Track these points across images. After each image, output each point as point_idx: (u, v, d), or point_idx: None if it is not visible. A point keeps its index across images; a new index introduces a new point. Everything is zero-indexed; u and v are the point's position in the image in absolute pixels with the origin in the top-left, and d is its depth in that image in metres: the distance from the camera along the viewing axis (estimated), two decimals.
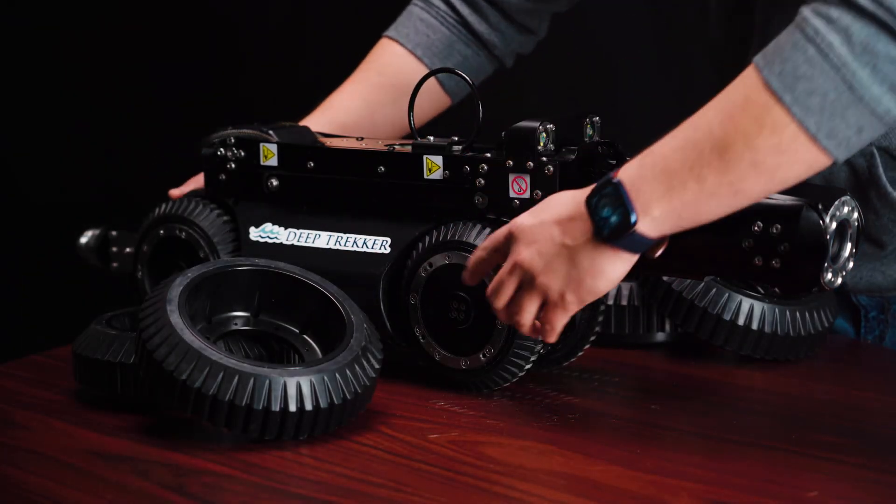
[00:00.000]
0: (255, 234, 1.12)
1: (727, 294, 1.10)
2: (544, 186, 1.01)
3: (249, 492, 0.87)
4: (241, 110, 1.53)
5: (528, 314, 0.96)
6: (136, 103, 2.36)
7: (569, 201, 0.95)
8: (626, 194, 0.91)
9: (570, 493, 0.85)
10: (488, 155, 1.04)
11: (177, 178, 1.27)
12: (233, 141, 1.14)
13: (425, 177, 1.05)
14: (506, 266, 0.96)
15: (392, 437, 0.95)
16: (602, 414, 1.02)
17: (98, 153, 2.38)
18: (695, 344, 1.16)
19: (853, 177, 1.17)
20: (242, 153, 1.14)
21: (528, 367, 1.03)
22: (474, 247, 1.01)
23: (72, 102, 2.34)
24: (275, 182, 1.12)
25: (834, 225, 0.91)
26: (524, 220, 0.96)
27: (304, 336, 1.03)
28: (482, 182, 1.03)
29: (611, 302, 1.17)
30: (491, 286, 0.97)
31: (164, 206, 1.18)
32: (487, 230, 1.02)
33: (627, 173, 0.92)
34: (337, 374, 0.94)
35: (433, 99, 1.35)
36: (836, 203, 0.91)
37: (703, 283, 1.11)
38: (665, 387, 1.08)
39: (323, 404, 0.93)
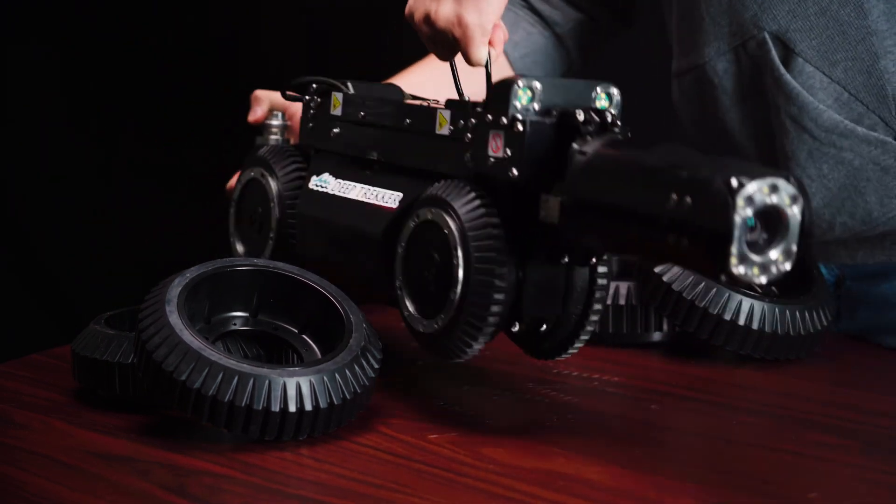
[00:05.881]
0: (313, 182, 1.13)
1: (727, 294, 1.10)
2: (514, 145, 0.94)
3: (249, 493, 0.87)
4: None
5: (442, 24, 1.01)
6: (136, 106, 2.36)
7: None
8: None
9: (570, 494, 0.85)
10: (478, 110, 0.99)
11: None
12: (313, 88, 1.16)
13: (436, 132, 1.02)
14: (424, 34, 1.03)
15: (392, 438, 0.95)
16: (602, 414, 1.02)
17: (98, 153, 2.37)
18: (694, 344, 1.16)
19: (750, 68, 1.18)
20: (319, 101, 1.15)
21: (479, 341, 0.95)
22: (454, 210, 0.95)
23: (71, 102, 2.34)
24: (336, 131, 1.12)
25: (749, 208, 0.77)
26: None
27: (304, 336, 1.03)
28: (469, 137, 0.98)
29: (609, 302, 1.17)
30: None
31: (262, 148, 1.22)
32: (472, 194, 0.95)
33: None
34: (336, 375, 0.94)
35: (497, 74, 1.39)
36: (763, 182, 0.78)
37: (703, 283, 1.11)
38: (665, 387, 1.09)
39: (323, 404, 0.93)
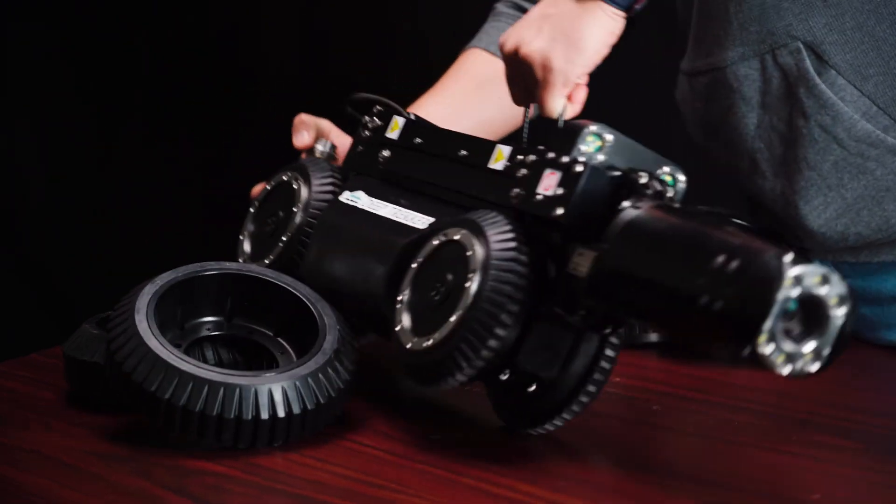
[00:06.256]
0: (345, 196, 1.10)
1: None
2: (568, 185, 0.89)
3: (251, 492, 0.87)
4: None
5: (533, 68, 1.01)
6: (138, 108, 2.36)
7: None
8: None
9: (571, 494, 0.85)
10: (540, 148, 0.94)
11: None
12: (376, 109, 1.13)
13: (489, 165, 0.98)
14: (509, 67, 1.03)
15: (393, 438, 0.95)
16: (602, 414, 1.02)
17: (98, 153, 2.37)
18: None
19: (783, 80, 1.19)
20: (378, 122, 1.13)
21: (464, 372, 0.89)
22: (485, 236, 0.90)
23: (72, 101, 2.34)
24: (385, 154, 1.10)
25: (796, 290, 0.74)
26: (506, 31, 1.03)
27: (279, 339, 1.02)
28: (523, 173, 0.93)
29: None
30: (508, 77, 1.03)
31: (303, 157, 1.20)
32: (509, 227, 0.90)
33: None
34: (309, 379, 0.93)
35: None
36: (817, 270, 0.74)
37: None
38: (665, 387, 1.09)
39: (296, 410, 0.92)
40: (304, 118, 1.32)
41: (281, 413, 0.91)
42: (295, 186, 1.14)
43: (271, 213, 1.16)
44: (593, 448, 0.93)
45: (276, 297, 1.01)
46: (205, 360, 1.00)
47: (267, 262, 1.11)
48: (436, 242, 0.95)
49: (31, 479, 0.90)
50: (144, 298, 0.95)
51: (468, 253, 0.91)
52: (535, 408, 0.94)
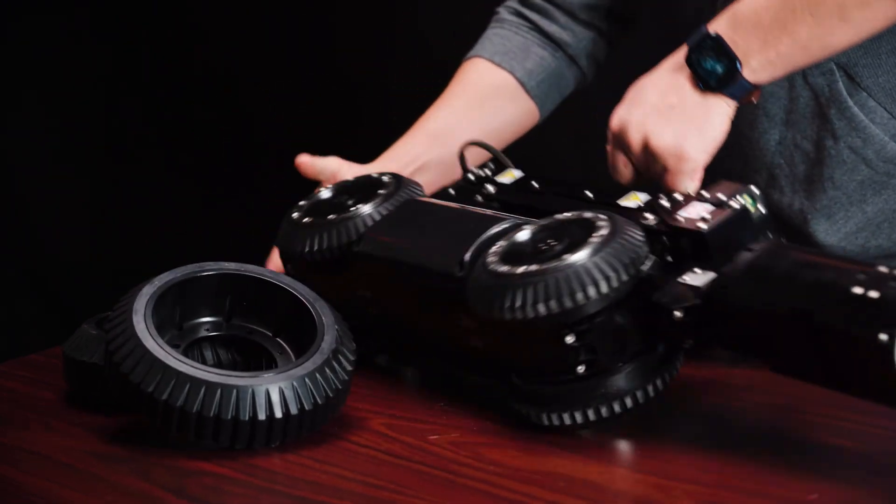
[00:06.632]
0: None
1: None
2: (719, 212, 0.93)
3: (250, 493, 0.87)
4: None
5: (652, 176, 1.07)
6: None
7: (661, 71, 1.08)
8: (728, 46, 1.04)
9: (570, 495, 0.85)
10: (690, 193, 0.97)
11: None
12: (491, 165, 1.13)
13: (618, 201, 0.99)
14: (627, 152, 1.08)
15: (392, 439, 0.95)
16: None
17: (99, 154, 2.37)
18: None
19: (814, 100, 1.19)
20: (488, 173, 1.12)
21: (537, 304, 0.88)
22: (615, 220, 0.91)
23: (72, 101, 2.34)
24: (491, 190, 1.09)
25: None
26: (619, 109, 1.09)
27: (278, 339, 1.02)
28: (664, 204, 0.96)
29: None
30: (612, 165, 1.09)
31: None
32: (642, 232, 0.92)
33: (720, 28, 1.05)
34: (307, 380, 0.93)
35: (517, 104, 1.38)
36: None
37: None
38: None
39: (293, 411, 0.92)
40: (306, 165, 1.29)
41: (278, 413, 0.91)
42: (385, 179, 1.11)
43: (336, 204, 1.11)
44: (593, 449, 0.93)
45: (274, 297, 1.01)
46: (203, 361, 1.00)
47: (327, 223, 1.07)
48: (560, 218, 0.95)
49: (31, 480, 0.90)
50: (143, 299, 0.95)
51: (597, 223, 0.91)
52: (572, 391, 0.93)
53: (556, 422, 0.93)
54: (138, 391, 0.91)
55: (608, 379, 0.92)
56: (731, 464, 0.90)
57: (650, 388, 0.93)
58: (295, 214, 1.11)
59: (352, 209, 1.07)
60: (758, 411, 1.02)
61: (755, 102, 1.09)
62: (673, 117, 1.07)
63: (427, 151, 1.33)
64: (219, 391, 0.90)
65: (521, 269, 0.90)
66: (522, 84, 1.37)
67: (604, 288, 0.88)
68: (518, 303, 0.89)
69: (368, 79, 2.14)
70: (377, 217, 1.06)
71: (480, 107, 1.36)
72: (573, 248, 0.90)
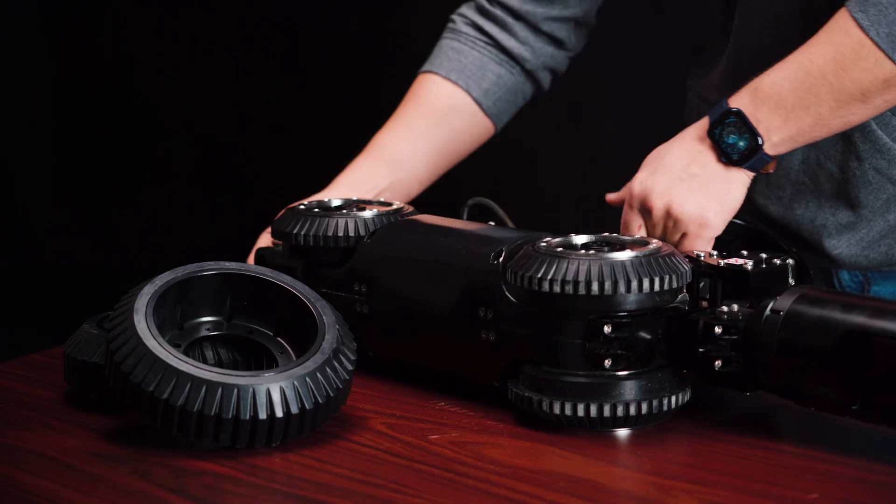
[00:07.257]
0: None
1: None
2: (763, 263, 0.98)
3: (250, 493, 0.87)
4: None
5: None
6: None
7: (683, 141, 1.12)
8: (751, 122, 1.08)
9: (570, 495, 0.85)
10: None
11: None
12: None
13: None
14: (646, 215, 1.11)
15: (393, 438, 0.95)
16: None
17: (99, 154, 2.38)
18: None
19: None
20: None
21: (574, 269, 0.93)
22: (660, 246, 0.97)
23: (73, 102, 2.34)
24: None
25: None
26: (640, 174, 1.12)
27: (279, 339, 1.02)
28: (711, 255, 1.01)
29: None
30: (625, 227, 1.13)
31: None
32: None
33: (743, 104, 1.09)
34: (307, 379, 0.93)
35: (473, 124, 1.38)
36: None
37: None
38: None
39: (294, 410, 0.92)
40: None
41: (279, 413, 0.91)
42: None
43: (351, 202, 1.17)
44: (593, 448, 0.93)
45: (275, 296, 1.01)
46: (204, 360, 1.00)
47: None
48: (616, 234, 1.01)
49: (31, 479, 0.90)
50: (143, 299, 0.95)
51: (651, 242, 0.98)
52: (590, 384, 0.95)
53: (568, 412, 0.94)
54: (139, 391, 0.90)
55: (631, 381, 0.94)
56: (731, 464, 0.90)
57: (665, 402, 0.95)
58: (301, 207, 1.15)
59: (358, 210, 1.13)
60: (758, 411, 1.02)
61: (772, 172, 1.13)
62: (696, 186, 1.11)
63: (388, 177, 1.33)
64: (219, 391, 0.90)
65: (577, 252, 0.95)
66: (479, 104, 1.36)
67: (647, 287, 0.93)
68: (570, 276, 0.93)
69: (361, 81, 2.14)
70: (384, 221, 1.11)
71: (438, 128, 1.36)
72: (625, 249, 0.96)
